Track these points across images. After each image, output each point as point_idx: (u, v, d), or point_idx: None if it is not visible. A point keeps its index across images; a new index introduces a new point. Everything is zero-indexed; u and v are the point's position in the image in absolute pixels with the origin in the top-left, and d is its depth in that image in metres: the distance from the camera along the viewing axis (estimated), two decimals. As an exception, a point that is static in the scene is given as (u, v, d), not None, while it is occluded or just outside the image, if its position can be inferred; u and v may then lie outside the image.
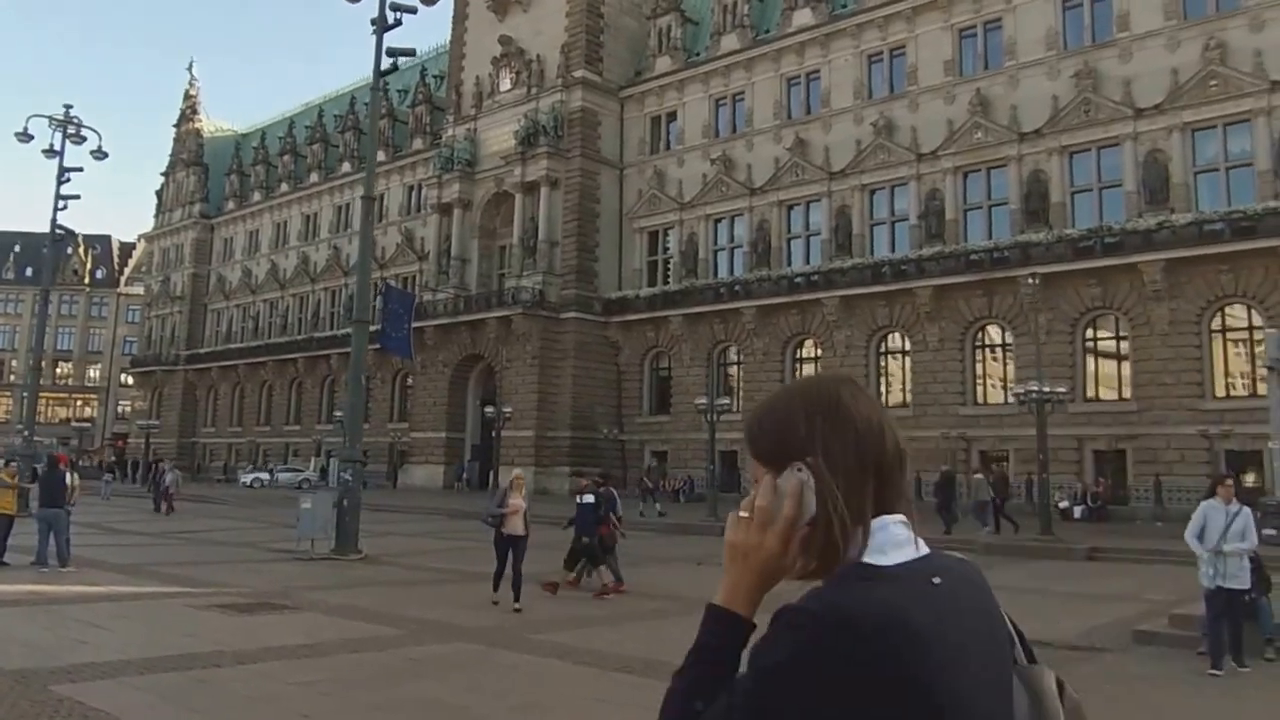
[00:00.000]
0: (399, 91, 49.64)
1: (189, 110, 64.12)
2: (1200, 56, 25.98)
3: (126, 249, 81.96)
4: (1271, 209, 24.11)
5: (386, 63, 17.53)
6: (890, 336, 31.94)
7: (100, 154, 24.86)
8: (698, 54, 38.53)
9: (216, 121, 65.28)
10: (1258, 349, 23.65)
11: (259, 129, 62.72)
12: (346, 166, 51.93)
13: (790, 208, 34.87)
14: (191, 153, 62.61)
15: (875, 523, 1.01)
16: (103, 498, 31.08)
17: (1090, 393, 27.60)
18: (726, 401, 27.85)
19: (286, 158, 56.68)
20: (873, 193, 32.68)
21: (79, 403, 78.30)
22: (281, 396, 53.47)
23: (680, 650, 1.03)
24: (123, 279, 79.86)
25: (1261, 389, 22.48)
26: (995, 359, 30.16)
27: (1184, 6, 26.89)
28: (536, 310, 37.21)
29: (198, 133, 62.99)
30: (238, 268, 58.79)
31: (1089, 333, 28.02)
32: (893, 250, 31.72)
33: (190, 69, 65.64)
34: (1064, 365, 26.48)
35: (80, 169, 25.80)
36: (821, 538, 0.99)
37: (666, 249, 38.59)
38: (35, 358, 30.09)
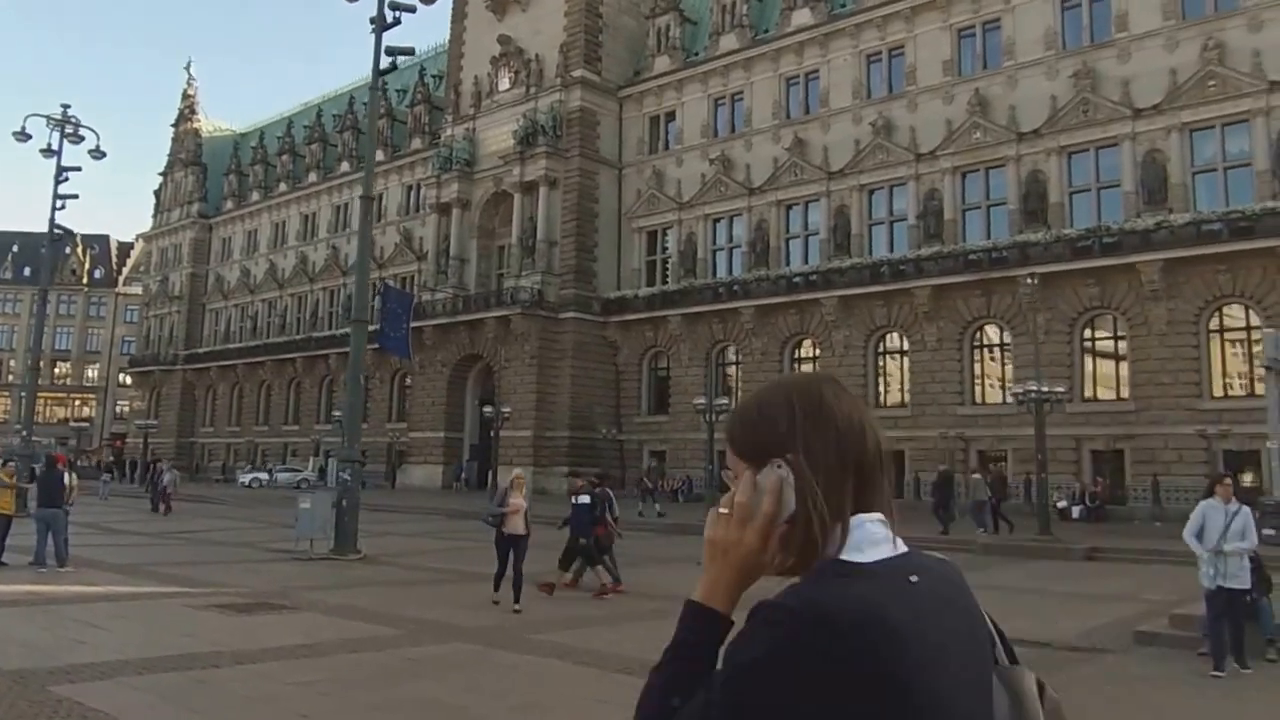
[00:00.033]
0: (398, 91, 49.63)
1: (187, 110, 64.08)
2: (1199, 57, 26.00)
3: (125, 249, 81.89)
4: (1269, 209, 24.14)
5: (385, 62, 17.51)
6: (889, 336, 31.96)
7: (98, 153, 24.84)
8: (696, 54, 38.53)
9: (215, 121, 65.25)
10: (1255, 349, 23.67)
11: (257, 129, 62.68)
12: (345, 166, 51.90)
13: (789, 207, 34.88)
14: (190, 152, 62.56)
15: (852, 520, 1.01)
16: (101, 498, 31.04)
17: (1088, 393, 27.63)
18: (725, 401, 27.81)
19: (285, 157, 56.63)
20: (871, 193, 32.70)
21: (77, 403, 78.23)
22: (280, 396, 53.44)
23: (679, 650, 1.02)
24: (121, 279, 79.79)
25: (1259, 389, 22.51)
26: (993, 359, 30.19)
27: (1182, 7, 26.92)
28: (535, 310, 37.21)
29: (196, 132, 62.94)
30: (236, 267, 58.74)
31: (1087, 333, 28.04)
32: (891, 250, 31.73)
33: (188, 69, 65.79)
34: (1062, 365, 26.50)
35: (78, 168, 25.76)
36: (800, 535, 0.99)
37: (665, 249, 38.59)
38: (33, 357, 30.07)
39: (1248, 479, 21.65)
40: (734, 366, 35.95)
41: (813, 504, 0.99)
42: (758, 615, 0.93)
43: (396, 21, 17.36)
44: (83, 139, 24.74)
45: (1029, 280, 23.18)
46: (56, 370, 76.40)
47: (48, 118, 24.46)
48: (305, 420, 51.07)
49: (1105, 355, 28.13)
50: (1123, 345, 27.25)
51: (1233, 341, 26.04)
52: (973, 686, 0.99)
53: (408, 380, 44.23)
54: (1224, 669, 7.30)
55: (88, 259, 78.68)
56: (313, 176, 54.47)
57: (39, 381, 34.10)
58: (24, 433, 26.45)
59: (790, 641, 0.90)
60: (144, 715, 5.88)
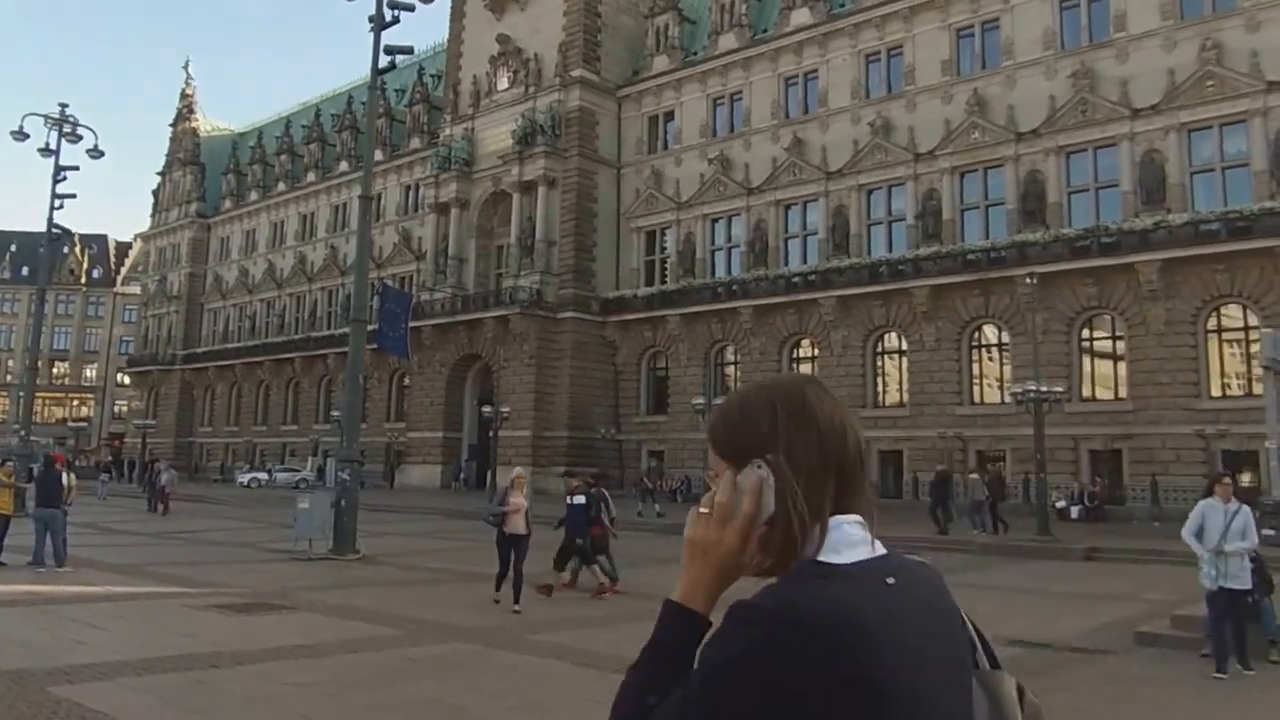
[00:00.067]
0: (396, 91, 49.58)
1: (185, 109, 64.01)
2: (1197, 57, 26.03)
3: (123, 248, 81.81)
4: (1267, 209, 24.16)
5: (384, 61, 17.49)
6: (887, 336, 31.97)
7: (96, 153, 24.82)
8: (695, 53, 38.53)
9: (213, 121, 65.20)
10: (1253, 349, 23.72)
11: (256, 128, 62.63)
12: (344, 166, 51.86)
13: (787, 207, 34.89)
14: (188, 152, 62.50)
15: (830, 522, 1.01)
16: (99, 498, 31.01)
17: (1086, 393, 27.65)
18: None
19: (283, 157, 56.58)
20: (870, 192, 32.71)
21: (75, 402, 78.14)
22: (278, 396, 53.40)
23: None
24: (119, 278, 79.70)
25: (1257, 389, 22.54)
26: (991, 359, 30.21)
27: (1181, 7, 26.94)
28: (534, 310, 37.20)
29: (194, 132, 62.88)
30: (234, 267, 58.68)
31: (1085, 332, 28.06)
32: (890, 250, 31.75)
33: (187, 68, 65.74)
34: (1060, 365, 26.52)
35: (76, 168, 25.75)
36: (780, 535, 1.00)
37: (664, 249, 38.59)
38: (31, 357, 30.05)
39: (1245, 479, 21.68)
40: (732, 366, 35.94)
41: (792, 505, 0.99)
42: (735, 615, 0.93)
43: (395, 20, 17.34)
44: (81, 138, 24.72)
45: (1028, 280, 23.19)
46: (55, 370, 76.31)
47: (46, 117, 24.44)
48: (304, 420, 51.03)
49: (1103, 355, 28.15)
50: (1121, 345, 27.27)
51: (1231, 341, 26.06)
52: (951, 689, 0.99)
53: (406, 380, 44.20)
54: (1226, 670, 7.28)
55: (86, 259, 78.60)
56: (311, 176, 54.43)
57: (37, 381, 34.06)
58: (22, 432, 26.44)
59: (767, 642, 0.90)
60: (143, 716, 5.87)
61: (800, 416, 1.03)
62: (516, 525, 10.31)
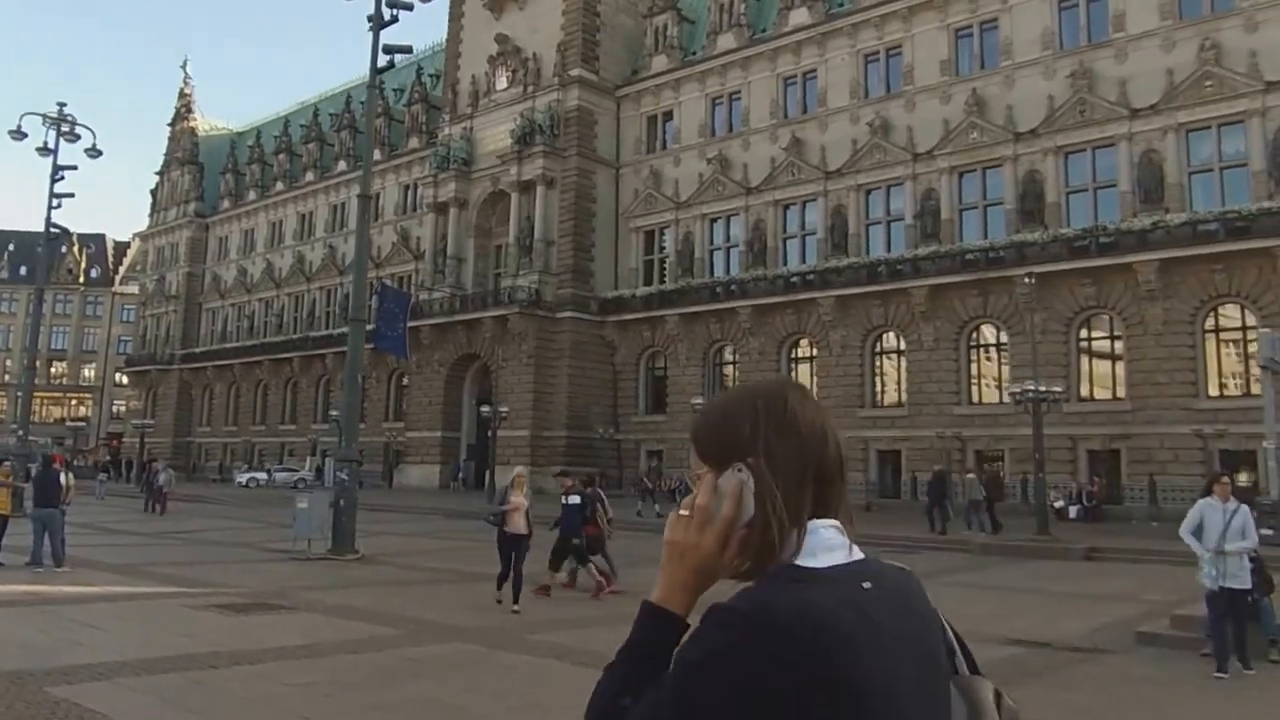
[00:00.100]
0: (395, 90, 49.54)
1: (184, 109, 63.94)
2: (1195, 57, 26.05)
3: (121, 248, 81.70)
4: (1265, 209, 24.20)
5: (383, 60, 17.47)
6: (885, 336, 31.98)
7: (94, 152, 24.76)
8: (694, 53, 38.52)
9: (211, 120, 65.12)
10: (1251, 349, 23.75)
11: (254, 127, 62.55)
12: (342, 165, 51.82)
13: (786, 207, 34.89)
14: (186, 151, 62.42)
15: (808, 526, 1.02)
16: (97, 497, 30.97)
17: (1084, 392, 27.67)
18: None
19: (282, 156, 56.54)
20: (868, 192, 32.72)
21: (74, 402, 78.03)
22: (277, 396, 53.36)
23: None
24: (117, 278, 79.61)
25: (1255, 388, 22.58)
26: (990, 359, 30.22)
27: (1179, 7, 26.97)
28: (532, 310, 37.18)
29: (192, 131, 62.81)
30: (233, 267, 58.63)
31: (1083, 332, 28.08)
32: (888, 250, 31.76)
33: (185, 67, 65.34)
34: (1058, 365, 26.53)
35: (74, 167, 25.68)
36: (758, 539, 1.00)
37: (662, 248, 38.58)
38: (30, 357, 29.94)
39: (1243, 478, 21.71)
40: (731, 366, 35.95)
41: (772, 509, 1.00)
42: (711, 618, 0.94)
43: (394, 19, 17.33)
44: (79, 137, 24.67)
45: (1027, 280, 23.21)
46: (53, 370, 76.20)
47: (44, 116, 24.38)
48: (302, 420, 50.99)
49: (1101, 355, 28.17)
50: (1119, 345, 27.30)
51: (1228, 341, 26.09)
52: (928, 693, 1.00)
53: (405, 380, 44.18)
54: (1227, 670, 7.28)
55: (84, 258, 78.48)
56: (310, 176, 54.39)
57: (35, 381, 34.00)
58: (20, 432, 26.39)
59: (743, 644, 0.90)
60: (142, 716, 5.85)
61: (782, 421, 1.04)
62: (517, 524, 10.30)
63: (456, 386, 41.43)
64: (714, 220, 36.93)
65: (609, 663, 1.02)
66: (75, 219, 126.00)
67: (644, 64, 39.88)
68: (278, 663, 7.37)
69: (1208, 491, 7.77)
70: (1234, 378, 25.83)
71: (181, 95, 64.38)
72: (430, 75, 48.50)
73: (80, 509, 19.70)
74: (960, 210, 30.63)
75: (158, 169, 65.60)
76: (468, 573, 13.53)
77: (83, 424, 72.62)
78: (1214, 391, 25.65)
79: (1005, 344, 29.09)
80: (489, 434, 33.35)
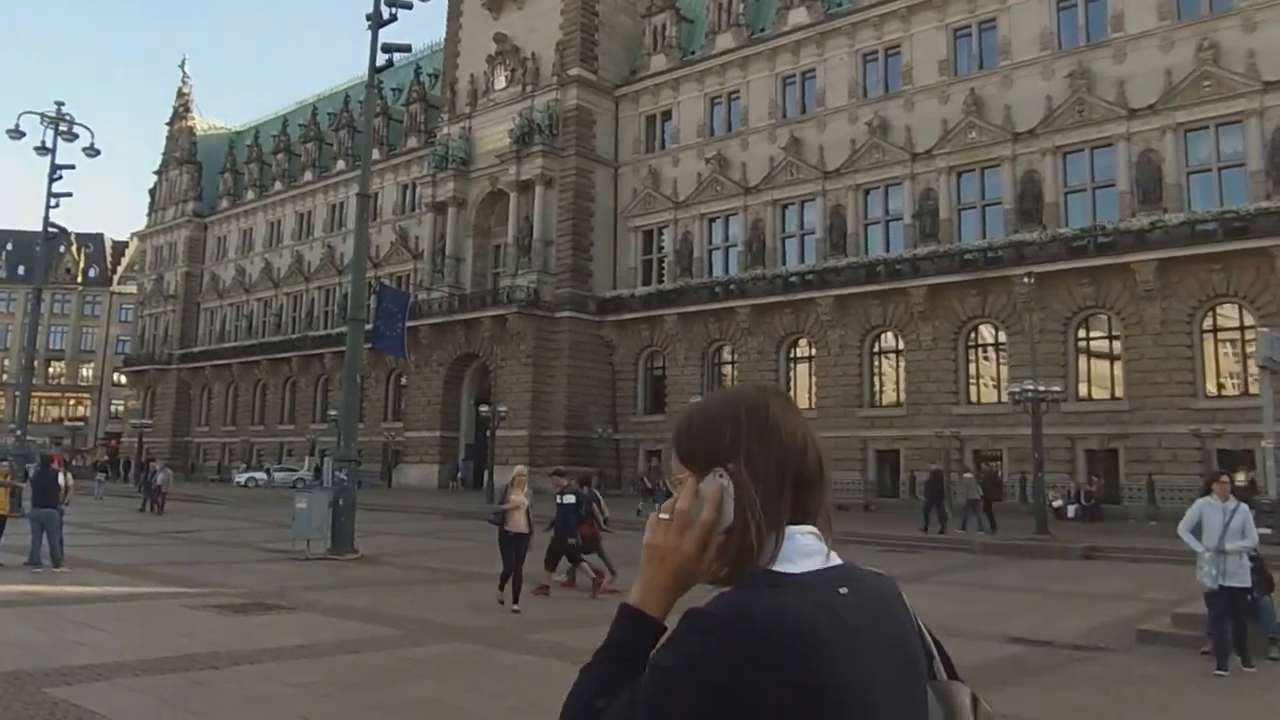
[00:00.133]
0: (393, 90, 49.50)
1: (182, 108, 63.85)
2: (1194, 57, 26.07)
3: (119, 247, 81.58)
4: (1263, 209, 24.22)
5: (382, 59, 17.46)
6: (884, 336, 31.99)
7: (92, 151, 24.73)
8: (693, 52, 38.52)
9: (210, 119, 65.04)
10: (1249, 348, 23.77)
11: (253, 127, 62.48)
12: (341, 165, 51.78)
13: (785, 207, 34.90)
14: (185, 151, 62.35)
15: (785, 532, 1.03)
16: (96, 497, 30.92)
17: (1083, 392, 27.69)
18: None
19: (280, 156, 56.48)
20: (867, 192, 32.73)
21: (72, 402, 77.92)
22: (275, 396, 53.31)
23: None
24: (115, 277, 79.51)
25: (1253, 388, 22.62)
26: (988, 359, 30.24)
27: (1178, 7, 26.99)
28: (531, 309, 37.16)
29: (191, 130, 62.73)
30: (231, 266, 58.58)
31: (1081, 332, 28.11)
32: (887, 250, 31.77)
33: (183, 66, 65.19)
34: (1056, 365, 26.55)
35: (72, 166, 25.66)
36: (737, 544, 1.01)
37: (661, 248, 38.58)
38: (28, 357, 29.91)
39: (1240, 478, 21.73)
40: (730, 366, 35.95)
41: (751, 515, 1.01)
42: (688, 622, 0.94)
43: (393, 18, 17.34)
44: (77, 136, 24.63)
45: (1026, 279, 23.23)
46: (51, 369, 76.09)
47: (42, 115, 24.35)
48: (301, 420, 50.95)
49: (1100, 355, 28.20)
50: (1117, 345, 27.32)
51: (1227, 341, 26.12)
52: (905, 698, 1.01)
53: (403, 380, 44.15)
54: (1227, 668, 7.30)
55: (82, 257, 78.38)
56: (308, 175, 54.34)
57: (33, 381, 33.95)
58: (18, 432, 26.36)
59: (720, 649, 0.91)
60: (141, 717, 5.84)
61: (763, 428, 1.05)
62: (517, 523, 10.30)
63: (455, 386, 41.41)
64: (713, 220, 36.93)
65: (585, 663, 1.03)
66: (73, 218, 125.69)
67: (643, 63, 39.88)
68: (277, 663, 7.36)
69: (1207, 490, 7.78)
70: (1232, 377, 25.86)
71: (180, 94, 64.31)
72: (429, 75, 48.47)
73: (79, 509, 19.67)
74: (959, 210, 30.65)
75: (156, 168, 65.56)
76: (467, 572, 13.53)
77: (81, 424, 72.52)
78: (1212, 391, 25.68)
79: (1004, 344, 29.11)
80: (488, 434, 33.32)
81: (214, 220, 60.84)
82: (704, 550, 1.01)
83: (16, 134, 23.66)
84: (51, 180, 25.04)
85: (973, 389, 30.18)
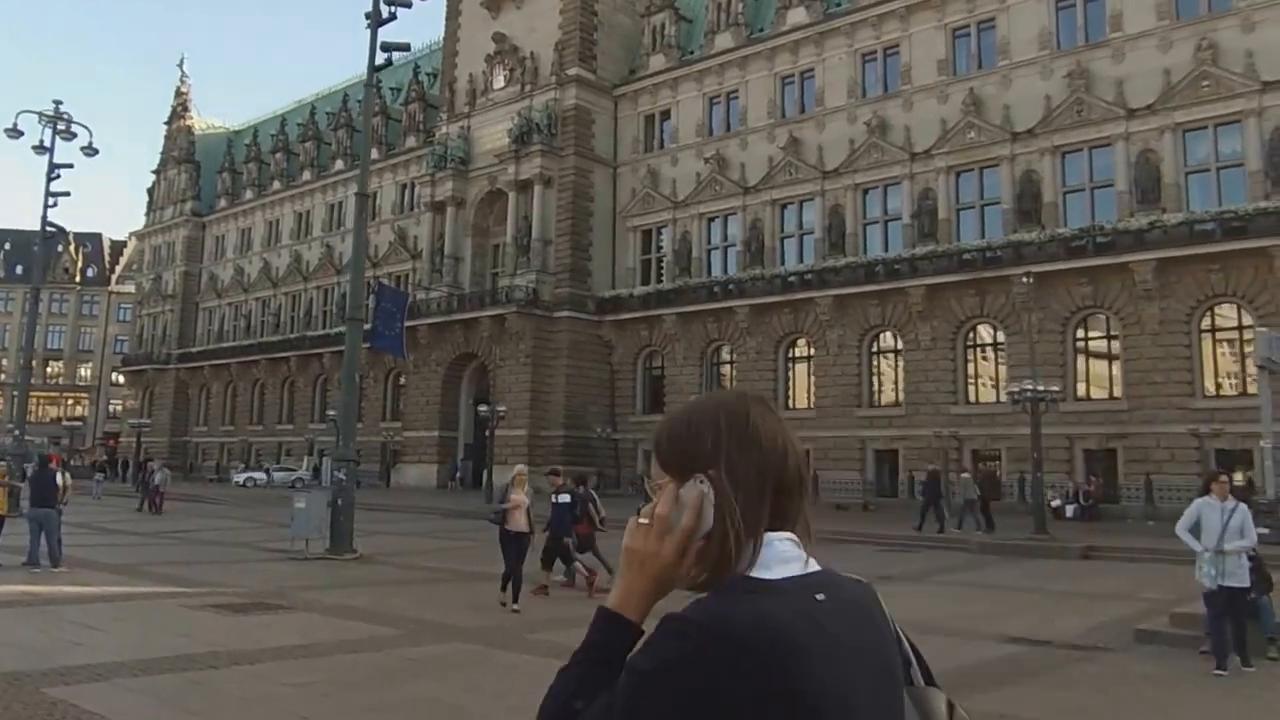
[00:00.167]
0: (392, 89, 49.45)
1: (180, 107, 63.78)
2: (1192, 57, 26.09)
3: (117, 247, 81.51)
4: (1262, 209, 24.25)
5: (381, 57, 17.46)
6: (882, 335, 32.01)
7: (90, 150, 24.72)
8: (692, 52, 38.52)
9: (208, 119, 64.97)
10: (1247, 348, 23.79)
11: (251, 126, 62.42)
12: (339, 164, 51.75)
13: (784, 206, 34.90)
14: (183, 150, 62.29)
15: (764, 538, 1.04)
16: (94, 497, 30.89)
17: (1081, 392, 27.72)
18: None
19: (279, 155, 56.44)
20: (866, 192, 32.74)
21: (70, 402, 77.85)
22: (274, 395, 53.28)
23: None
24: (114, 277, 79.44)
25: (1251, 388, 22.64)
26: (986, 359, 30.26)
27: (1176, 7, 27.01)
28: (530, 309, 37.15)
29: (189, 130, 62.66)
30: (230, 266, 58.54)
31: (1080, 332, 28.13)
32: (886, 249, 31.78)
33: (181, 65, 65.12)
34: (1055, 364, 26.57)
35: (70, 165, 25.65)
36: (716, 550, 1.02)
37: (660, 248, 38.58)
38: (26, 356, 29.89)
39: (1238, 478, 21.74)
40: (728, 366, 35.96)
41: (730, 521, 1.01)
42: (665, 627, 0.95)
43: (392, 17, 17.34)
44: (75, 135, 24.62)
45: (1025, 279, 23.24)
46: (49, 369, 76.02)
47: (40, 114, 24.33)
48: (299, 419, 50.91)
49: (1098, 355, 28.22)
50: (1115, 345, 27.34)
51: (1225, 341, 26.15)
52: (882, 704, 1.02)
53: (402, 379, 44.14)
54: (1226, 668, 7.30)
55: (80, 257, 78.29)
56: (307, 174, 54.30)
57: (31, 380, 33.92)
58: (16, 432, 26.34)
59: (697, 654, 0.92)
60: (140, 717, 5.84)
61: (744, 435, 1.05)
62: (518, 522, 10.31)
63: (454, 386, 41.40)
64: (711, 220, 36.94)
65: (563, 665, 1.03)
66: (71, 218, 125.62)
67: (642, 63, 39.87)
68: (276, 663, 7.35)
69: (1206, 490, 7.77)
70: (1230, 377, 25.88)
71: (178, 94, 64.24)
72: (427, 74, 48.44)
73: (77, 509, 19.66)
74: (957, 210, 30.66)
75: (154, 168, 65.48)
76: (466, 572, 13.53)
77: (79, 424, 72.42)
78: (1210, 391, 25.71)
79: (1002, 344, 29.12)
80: (486, 433, 33.32)
81: (212, 220, 60.78)
82: (683, 555, 1.02)
83: (15, 133, 23.65)
84: (49, 179, 25.03)
85: (971, 389, 30.20)
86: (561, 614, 10.17)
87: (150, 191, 65.76)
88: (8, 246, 77.10)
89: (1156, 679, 7.48)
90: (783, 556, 1.03)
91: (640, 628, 1.02)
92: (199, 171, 61.47)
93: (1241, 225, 24.41)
